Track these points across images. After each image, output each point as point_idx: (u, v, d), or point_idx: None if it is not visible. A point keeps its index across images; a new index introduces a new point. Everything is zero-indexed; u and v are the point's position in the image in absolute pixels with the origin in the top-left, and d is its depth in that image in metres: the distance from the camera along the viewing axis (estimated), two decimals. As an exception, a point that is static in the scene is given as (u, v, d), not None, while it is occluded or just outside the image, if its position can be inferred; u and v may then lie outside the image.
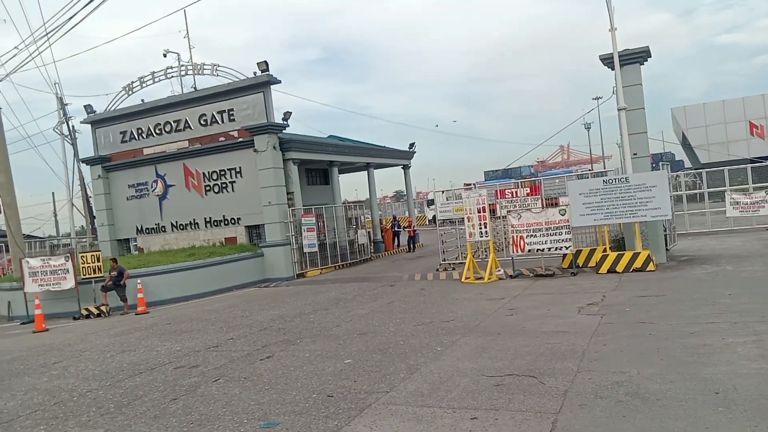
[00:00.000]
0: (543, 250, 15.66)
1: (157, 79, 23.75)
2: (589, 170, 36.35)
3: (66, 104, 32.05)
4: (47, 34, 17.55)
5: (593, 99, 56.16)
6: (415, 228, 30.89)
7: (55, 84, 37.35)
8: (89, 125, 25.74)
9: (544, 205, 17.56)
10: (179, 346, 10.86)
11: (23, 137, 64.97)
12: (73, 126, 33.06)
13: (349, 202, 29.03)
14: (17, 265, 19.03)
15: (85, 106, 25.54)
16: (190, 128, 23.43)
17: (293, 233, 21.73)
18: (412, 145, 33.12)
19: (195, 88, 23.90)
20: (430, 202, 50.79)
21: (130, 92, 24.24)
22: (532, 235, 15.69)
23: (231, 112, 22.59)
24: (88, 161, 26.04)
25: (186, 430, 6.11)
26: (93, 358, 10.54)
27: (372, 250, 27.13)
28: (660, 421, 5.01)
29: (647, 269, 14.37)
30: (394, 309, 12.67)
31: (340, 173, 27.54)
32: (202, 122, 23.20)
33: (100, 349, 11.45)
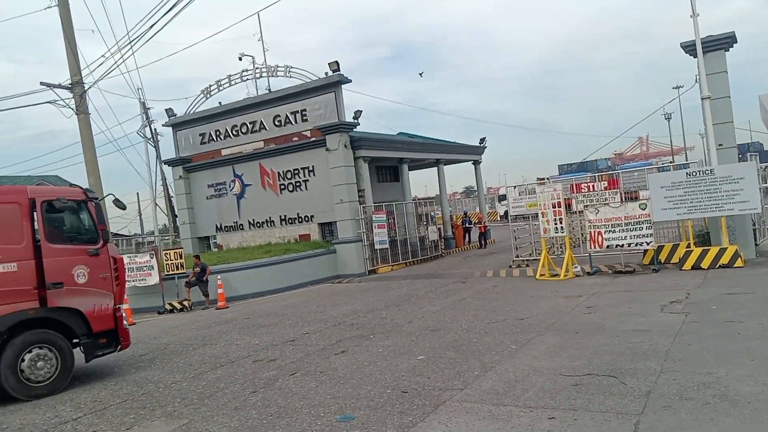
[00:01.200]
0: (622, 245, 15.14)
1: (233, 82, 24.54)
2: (670, 162, 34.82)
3: (148, 108, 33.61)
4: (130, 42, 18.47)
5: (674, 88, 53.72)
6: (487, 224, 30.53)
7: (138, 89, 39.36)
8: (170, 128, 26.90)
9: (623, 199, 16.96)
10: (257, 340, 11.21)
11: (110, 140, 68.87)
12: (155, 129, 34.65)
13: (419, 199, 29.04)
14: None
15: (166, 110, 26.73)
16: (265, 129, 24.07)
17: (364, 230, 21.96)
18: (482, 140, 32.76)
19: (269, 89, 24.54)
20: (502, 198, 50.01)
21: (208, 95, 25.15)
22: (610, 231, 15.19)
23: (303, 113, 23.04)
24: (170, 162, 27.23)
25: (265, 422, 6.30)
26: (177, 351, 11.04)
27: (443, 247, 27.03)
28: (752, 425, 4.75)
29: (734, 265, 13.63)
30: (466, 306, 12.58)
31: (409, 170, 27.57)
32: (276, 123, 23.79)
33: (183, 343, 11.96)
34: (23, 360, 8.43)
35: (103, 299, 9.40)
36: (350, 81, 22.44)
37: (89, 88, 18.28)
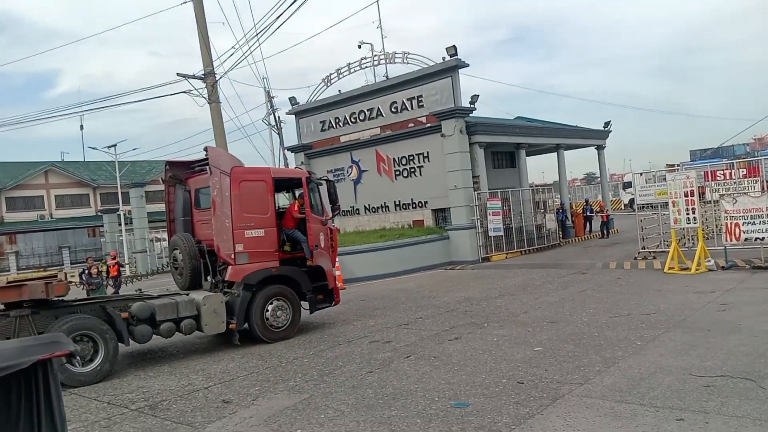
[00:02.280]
0: (763, 239, 13.88)
1: (352, 70, 25.04)
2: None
3: (273, 97, 35.10)
4: (257, 34, 19.34)
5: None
6: (609, 213, 29.11)
7: (263, 79, 41.28)
8: (293, 116, 27.96)
9: (765, 189, 15.51)
10: (373, 321, 11.46)
11: (238, 128, 72.74)
12: (279, 117, 36.15)
13: (536, 185, 28.21)
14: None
15: (289, 99, 27.79)
16: (382, 116, 24.38)
17: (479, 217, 21.70)
18: (607, 123, 31.18)
19: (387, 76, 24.79)
20: (627, 185, 47.44)
21: (329, 84, 25.85)
22: (749, 222, 13.97)
23: (420, 99, 23.08)
24: (293, 149, 28.34)
25: (381, 402, 6.44)
26: (298, 328, 11.42)
27: (561, 236, 26.13)
28: None
29: None
30: (586, 298, 12.11)
31: (527, 156, 26.85)
32: (393, 109, 24.01)
33: (303, 320, 12.19)
34: (267, 309, 10.32)
35: (327, 261, 11.33)
36: (468, 65, 22.15)
37: (220, 78, 19.38)
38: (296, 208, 11.03)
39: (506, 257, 22.08)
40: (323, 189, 11.44)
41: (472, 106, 22.14)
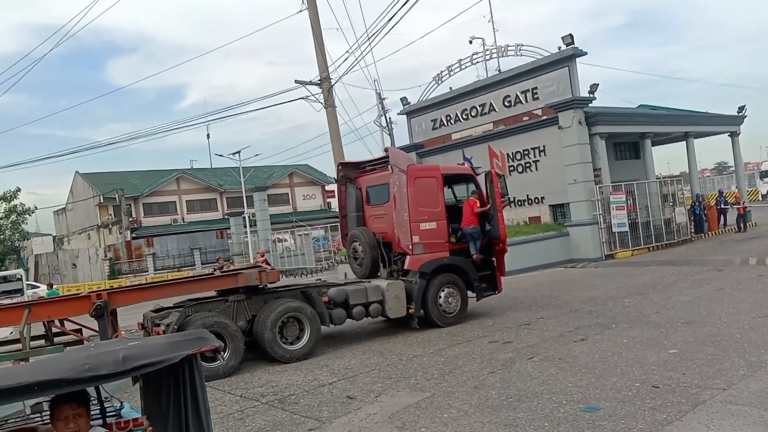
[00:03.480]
0: None
1: (463, 66, 24.85)
2: None
3: (384, 99, 35.65)
4: (369, 38, 19.70)
5: None
6: (746, 204, 26.78)
7: (374, 81, 41.91)
8: (405, 116, 28.20)
9: None
10: (491, 321, 11.26)
11: (351, 130, 74.59)
12: (390, 118, 36.63)
13: (662, 177, 26.51)
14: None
15: (401, 99, 28.07)
16: (495, 111, 23.97)
17: (601, 212, 20.72)
18: (741, 108, 28.70)
19: (499, 70, 24.37)
20: (764, 174, 43.57)
21: (440, 81, 25.81)
22: None
23: (534, 91, 22.44)
24: (404, 149, 28.52)
25: (506, 404, 6.30)
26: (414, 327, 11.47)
27: (692, 230, 24.37)
28: None
29: None
30: (724, 297, 11.20)
31: (652, 145, 25.31)
32: (506, 104, 23.54)
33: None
34: (440, 296, 11.10)
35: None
36: (585, 53, 21.26)
37: (335, 83, 19.95)
38: (477, 205, 11.58)
39: (632, 254, 20.93)
40: (481, 181, 12.02)
41: (591, 95, 21.22)
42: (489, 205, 11.60)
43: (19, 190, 42.74)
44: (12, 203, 42.33)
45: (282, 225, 42.44)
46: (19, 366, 3.36)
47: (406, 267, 11.18)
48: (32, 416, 3.84)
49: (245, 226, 38.63)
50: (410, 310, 10.84)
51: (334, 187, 50.45)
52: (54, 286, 24.04)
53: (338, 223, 35.55)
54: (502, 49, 23.51)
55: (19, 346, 8.84)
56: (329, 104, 19.73)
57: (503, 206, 12.05)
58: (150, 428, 3.29)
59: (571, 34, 20.80)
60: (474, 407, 6.31)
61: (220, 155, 39.56)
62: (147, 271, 41.17)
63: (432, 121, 26.77)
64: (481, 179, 12.05)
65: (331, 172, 48.02)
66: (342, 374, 8.44)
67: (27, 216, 43.82)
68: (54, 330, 9.62)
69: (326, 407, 6.93)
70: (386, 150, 11.98)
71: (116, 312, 9.16)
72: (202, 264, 42.08)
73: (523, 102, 22.91)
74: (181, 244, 45.35)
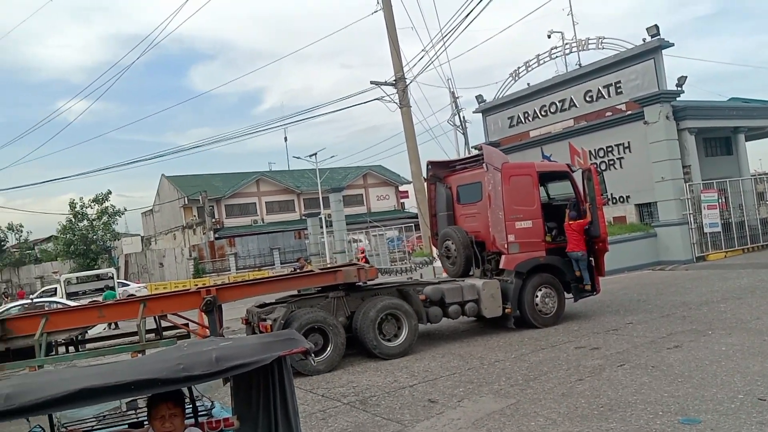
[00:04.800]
0: None
1: (541, 62, 24.21)
2: None
3: (458, 97, 35.26)
4: (444, 37, 19.50)
5: None
6: None
7: (448, 80, 41.56)
8: (480, 114, 27.78)
9: None
10: (576, 325, 10.85)
11: (426, 129, 74.40)
12: (464, 116, 36.20)
13: (759, 174, 24.86)
14: (427, 242, 21.79)
15: (476, 97, 27.65)
16: (575, 106, 23.21)
17: (691, 211, 19.64)
18: None
19: (579, 65, 23.57)
20: None
21: (516, 78, 25.26)
22: None
23: (618, 85, 21.55)
24: (480, 148, 28.13)
25: (596, 413, 6.01)
26: (495, 329, 11.20)
27: (793, 230, 22.70)
28: None
29: None
30: (836, 303, 10.32)
31: (746, 140, 23.77)
32: (587, 99, 22.73)
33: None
34: (536, 296, 10.94)
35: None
36: (672, 45, 20.22)
37: (410, 83, 19.90)
38: (586, 220, 11.31)
39: (725, 255, 19.73)
40: (577, 178, 11.78)
41: (679, 88, 20.15)
42: (587, 204, 11.31)
43: (110, 192, 45.37)
44: (104, 205, 44.89)
45: (357, 226, 42.85)
46: (116, 365, 3.45)
47: (501, 266, 11.03)
48: (127, 413, 3.96)
49: (321, 227, 39.25)
50: (506, 310, 10.71)
51: (407, 187, 50.64)
52: (110, 288, 25.26)
53: (412, 224, 35.37)
54: (583, 42, 22.73)
55: (135, 338, 9.51)
56: (404, 104, 19.70)
57: (603, 204, 11.71)
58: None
59: (656, 25, 19.82)
60: (562, 416, 6.05)
61: (298, 157, 40.42)
62: (229, 270, 42.59)
63: (509, 118, 26.23)
64: (578, 176, 11.75)
65: (405, 172, 48.04)
66: (422, 377, 8.33)
67: (117, 217, 46.43)
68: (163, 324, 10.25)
69: (408, 410, 6.84)
70: (480, 148, 12.04)
71: (221, 307, 9.57)
72: (281, 263, 43.10)
73: (606, 97, 22.05)
74: (261, 244, 46.68)
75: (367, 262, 23.67)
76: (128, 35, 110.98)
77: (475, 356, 9.28)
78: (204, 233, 46.93)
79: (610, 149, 22.01)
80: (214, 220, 47.79)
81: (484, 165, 11.17)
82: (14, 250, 51.01)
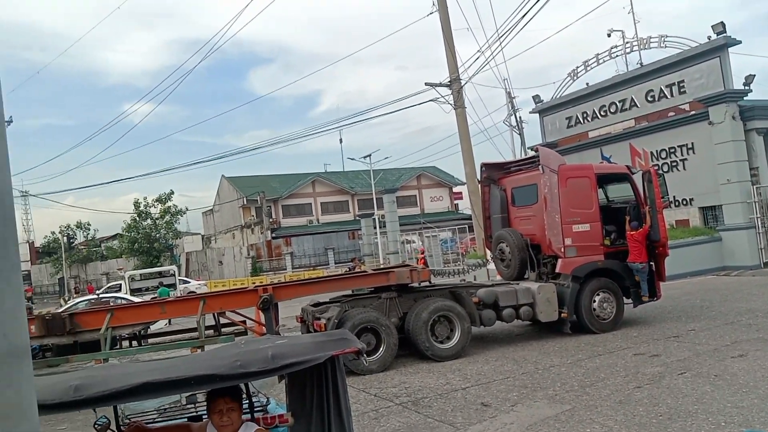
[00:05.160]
0: None
1: (601, 61, 23.66)
2: None
3: (514, 98, 34.77)
4: (500, 37, 19.30)
5: None
6: None
7: (504, 80, 41.04)
8: (537, 114, 27.35)
9: None
10: (635, 332, 10.54)
11: (481, 131, 73.71)
12: (520, 117, 35.67)
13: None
14: (480, 244, 21.62)
15: (533, 97, 27.26)
16: (636, 106, 22.56)
17: (759, 215, 18.79)
18: None
19: (641, 64, 22.89)
20: None
21: (575, 77, 24.77)
22: None
23: (681, 84, 20.83)
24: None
25: (655, 422, 5.85)
26: (549, 333, 11.02)
27: None
28: None
29: None
30: None
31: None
32: (649, 99, 22.06)
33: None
34: (594, 301, 10.70)
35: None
36: (739, 42, 19.41)
37: (465, 83, 19.79)
38: (645, 229, 10.97)
39: (796, 262, 18.76)
40: (637, 180, 11.46)
41: (746, 88, 19.33)
42: (647, 207, 10.99)
43: (172, 192, 46.97)
44: (166, 205, 46.50)
45: (410, 226, 42.87)
46: (177, 360, 3.59)
47: (557, 270, 10.84)
48: (187, 406, 4.10)
49: (375, 228, 39.47)
50: (562, 315, 10.52)
51: (461, 188, 50.35)
52: (164, 285, 26.08)
53: (466, 225, 35.16)
54: (644, 41, 22.08)
55: (194, 334, 9.87)
56: (459, 105, 19.61)
57: (663, 207, 11.36)
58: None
59: (722, 22, 19.08)
60: (619, 423, 5.91)
61: (352, 159, 40.93)
62: (285, 269, 43.36)
63: (567, 118, 25.72)
64: (637, 178, 11.43)
65: (459, 173, 47.80)
66: (475, 380, 8.28)
67: (179, 216, 47.99)
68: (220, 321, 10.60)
69: (460, 413, 6.82)
70: (536, 149, 11.84)
71: (278, 305, 9.82)
72: (335, 263, 43.56)
73: (668, 96, 21.35)
74: (316, 244, 47.34)
75: (426, 262, 23.92)
76: (190, 40, 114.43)
77: (529, 360, 9.16)
78: (261, 233, 47.95)
79: (672, 150, 21.30)
80: (271, 220, 48.76)
81: (539, 167, 10.99)
82: (82, 247, 53.33)
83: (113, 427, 3.47)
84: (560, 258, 10.76)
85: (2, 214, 1.19)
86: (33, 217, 66.08)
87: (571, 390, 7.28)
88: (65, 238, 49.03)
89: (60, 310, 11.89)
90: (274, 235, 47.76)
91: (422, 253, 26.09)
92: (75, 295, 26.23)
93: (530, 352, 9.79)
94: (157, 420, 3.89)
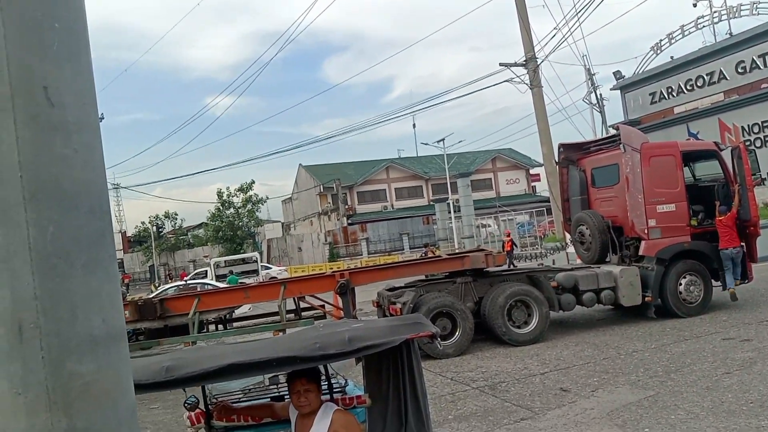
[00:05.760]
0: None
1: (686, 32, 22.49)
2: None
3: (593, 74, 33.50)
4: (578, 12, 18.63)
5: None
6: None
7: (583, 57, 39.63)
8: (618, 91, 26.33)
9: None
10: (725, 315, 10.07)
11: (558, 110, 71.61)
12: (600, 94, 34.31)
13: None
14: (559, 227, 21.13)
15: (614, 73, 26.29)
16: (725, 79, 21.33)
17: None
18: None
19: (730, 33, 21.59)
20: None
21: (658, 51, 23.67)
22: None
23: (776, 53, 19.49)
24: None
25: (745, 409, 5.60)
26: (633, 319, 10.66)
27: None
28: None
29: None
30: None
31: None
32: (739, 70, 20.80)
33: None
34: (680, 284, 10.35)
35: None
36: (844, 4, 17.91)
37: (541, 62, 19.27)
38: (733, 213, 10.43)
39: None
40: (726, 157, 10.90)
41: None
42: (737, 185, 10.43)
43: (253, 182, 48.59)
44: (248, 194, 48.15)
45: (485, 210, 42.37)
46: (260, 343, 3.77)
47: (641, 253, 10.49)
48: (270, 387, 4.29)
49: (449, 212, 39.25)
50: (646, 299, 10.18)
51: (539, 170, 49.24)
52: (233, 273, 26.94)
53: (544, 208, 34.48)
54: (734, 9, 20.77)
55: (276, 318, 10.27)
56: (535, 85, 19.14)
57: (754, 185, 10.85)
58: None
59: (825, -18, 17.64)
60: (706, 410, 5.70)
61: (425, 143, 40.99)
62: (361, 255, 43.95)
63: (650, 94, 24.64)
64: (726, 155, 10.85)
65: (536, 155, 46.71)
66: (554, 365, 8.17)
67: (260, 205, 49.59)
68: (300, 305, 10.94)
69: (538, 398, 6.77)
70: (617, 128, 11.42)
71: (354, 290, 10.06)
72: (410, 249, 43.74)
73: (761, 67, 20.04)
74: (391, 230, 47.65)
75: (512, 245, 23.99)
76: (267, 32, 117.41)
77: (611, 346, 8.93)
78: (338, 219, 48.77)
79: (765, 124, 19.99)
80: (346, 206, 49.49)
81: (621, 146, 10.65)
82: (170, 236, 56.07)
83: (202, 406, 3.68)
84: (644, 240, 10.40)
85: (99, 207, 1.31)
86: (125, 208, 70.04)
87: (654, 376, 7.06)
88: (154, 227, 51.73)
89: (151, 296, 12.60)
90: (349, 221, 48.45)
91: (508, 235, 25.98)
92: (170, 280, 27.72)
93: (612, 337, 9.55)
94: (241, 400, 4.08)
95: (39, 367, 1.18)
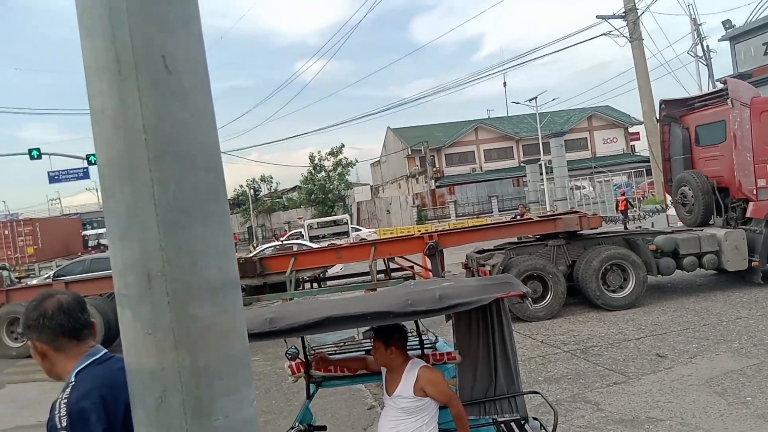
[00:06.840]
0: None
1: (809, -27, 20.35)
2: None
3: (699, 24, 31.20)
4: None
5: None
6: None
7: (688, 5, 37.00)
8: (727, 42, 24.40)
9: None
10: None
11: (661, 63, 67.48)
12: (707, 46, 31.98)
13: None
14: (659, 188, 20.13)
15: (723, 22, 24.32)
16: None
17: None
18: None
19: None
20: None
21: (775, -4, 21.60)
22: None
23: None
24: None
25: None
26: (737, 284, 10.13)
27: None
28: None
29: None
30: None
31: None
32: None
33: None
34: None
35: None
36: None
37: (642, 13, 18.16)
38: None
39: None
40: None
41: None
42: None
43: (343, 145, 49.34)
44: (338, 158, 49.02)
45: (580, 171, 40.98)
46: (353, 299, 3.92)
47: (748, 215, 9.96)
48: (362, 342, 4.46)
49: (541, 174, 38.28)
50: (753, 263, 9.67)
51: (638, 128, 46.79)
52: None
53: (643, 169, 32.85)
54: None
55: (367, 278, 10.60)
56: (635, 37, 18.10)
57: None
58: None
59: None
60: (819, 382, 5.38)
61: (516, 102, 39.76)
62: (449, 218, 43.90)
63: (764, 44, 22.64)
64: None
65: (636, 112, 44.41)
66: (650, 330, 7.94)
67: (350, 168, 50.39)
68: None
69: (632, 362, 6.62)
70: (724, 81, 10.67)
71: (443, 252, 10.14)
72: (500, 211, 43.18)
73: None
74: (479, 192, 47.18)
75: (627, 204, 23.45)
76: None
77: (712, 312, 8.55)
78: (426, 182, 48.77)
79: None
80: (434, 169, 49.32)
81: (728, 101, 9.96)
82: (266, 198, 58.16)
83: (301, 356, 3.90)
84: (752, 201, 9.83)
85: (213, 166, 1.42)
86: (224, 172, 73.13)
87: (759, 344, 6.71)
88: (252, 190, 53.82)
89: (250, 255, 13.24)
90: (437, 184, 48.32)
91: (623, 194, 25.24)
92: (282, 239, 28.95)
93: (713, 302, 9.13)
94: (337, 352, 4.28)
95: (165, 311, 1.33)
